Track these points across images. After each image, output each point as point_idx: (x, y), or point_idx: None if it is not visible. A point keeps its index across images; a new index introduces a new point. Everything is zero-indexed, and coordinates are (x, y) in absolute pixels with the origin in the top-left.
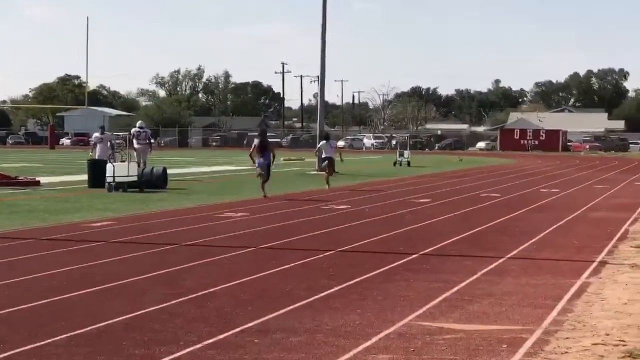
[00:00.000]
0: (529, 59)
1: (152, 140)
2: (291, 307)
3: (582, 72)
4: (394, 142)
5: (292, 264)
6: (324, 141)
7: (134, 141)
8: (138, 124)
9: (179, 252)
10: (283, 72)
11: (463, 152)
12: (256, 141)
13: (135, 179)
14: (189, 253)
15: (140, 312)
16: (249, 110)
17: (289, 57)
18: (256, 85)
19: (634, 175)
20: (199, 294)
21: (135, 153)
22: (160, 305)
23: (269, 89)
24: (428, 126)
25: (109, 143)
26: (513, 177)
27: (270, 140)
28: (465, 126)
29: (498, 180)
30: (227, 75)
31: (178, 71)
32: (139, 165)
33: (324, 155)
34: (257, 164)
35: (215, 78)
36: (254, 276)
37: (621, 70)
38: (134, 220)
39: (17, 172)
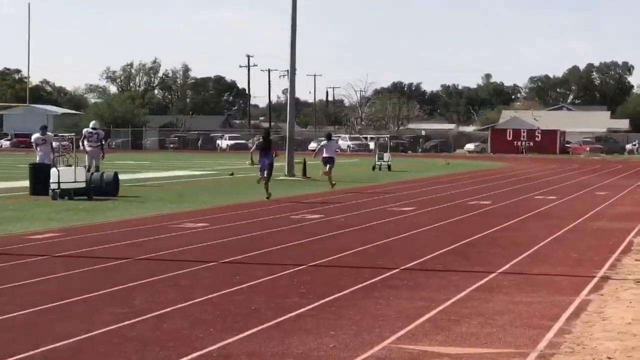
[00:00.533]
0: (523, 51)
1: (104, 143)
2: (257, 328)
3: (582, 66)
4: (372, 143)
5: (258, 280)
6: (326, 140)
7: (85, 143)
8: (91, 124)
9: (132, 267)
10: (249, 66)
11: (450, 155)
12: (258, 140)
13: (83, 185)
14: (143, 268)
15: (89, 334)
16: (210, 109)
17: (255, 48)
18: (218, 80)
19: (639, 181)
20: (154, 314)
21: (86, 156)
22: (111, 327)
23: (232, 85)
24: (411, 126)
25: (51, 145)
26: (505, 182)
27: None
28: (452, 126)
29: (489, 186)
30: (186, 69)
31: (131, 65)
32: (89, 170)
33: (325, 155)
34: (259, 165)
35: (172, 72)
36: (216, 294)
37: (625, 63)
38: (81, 232)
39: None
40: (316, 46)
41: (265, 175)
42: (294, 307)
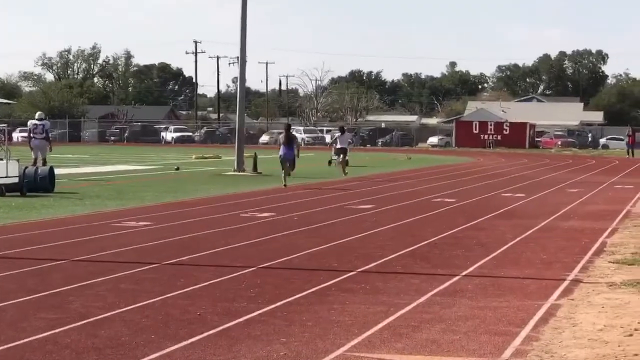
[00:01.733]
0: (490, 37)
1: (50, 135)
2: (202, 335)
3: (553, 54)
4: (328, 136)
5: (205, 283)
6: (339, 133)
7: (31, 136)
8: (37, 115)
9: (68, 270)
10: (196, 52)
11: (412, 149)
12: (282, 136)
13: (15, 180)
14: (80, 270)
15: (20, 342)
16: (154, 98)
17: (203, 33)
18: (163, 67)
19: (613, 177)
20: (91, 319)
21: (32, 150)
22: (44, 334)
23: (178, 73)
24: (370, 118)
25: None
26: (471, 178)
27: (294, 134)
28: (414, 118)
29: (453, 183)
30: (128, 56)
31: (69, 51)
32: (35, 164)
33: (338, 146)
34: (281, 155)
35: (114, 59)
36: (158, 298)
37: (599, 52)
38: (13, 231)
39: None
40: (269, 31)
41: (288, 166)
42: (242, 312)
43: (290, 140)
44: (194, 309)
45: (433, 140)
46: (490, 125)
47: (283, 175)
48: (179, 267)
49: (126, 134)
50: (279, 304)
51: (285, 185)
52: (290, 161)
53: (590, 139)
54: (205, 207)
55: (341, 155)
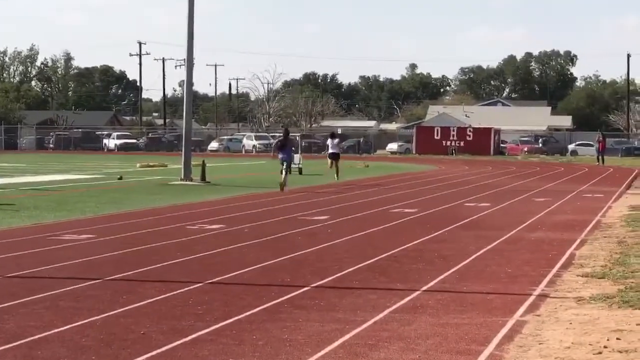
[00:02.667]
0: (452, 38)
1: None
2: (146, 355)
3: (519, 55)
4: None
5: (149, 300)
6: (330, 139)
7: None
8: None
9: (2, 286)
10: (140, 54)
11: (370, 156)
12: (279, 140)
13: None
14: (14, 287)
15: None
16: (96, 103)
17: (148, 35)
18: (106, 70)
19: (582, 185)
20: (27, 339)
21: None
22: None
23: (122, 76)
24: (325, 123)
25: None
26: (432, 187)
27: (291, 138)
28: (372, 123)
29: (414, 192)
30: (68, 58)
31: (4, 52)
32: None
33: (330, 151)
34: (280, 159)
35: (52, 61)
36: (100, 316)
37: (567, 53)
38: None
39: None
40: (218, 32)
41: (284, 167)
42: (189, 330)
43: (285, 145)
44: (138, 328)
45: (392, 146)
46: (453, 130)
47: (283, 176)
48: (122, 282)
49: (65, 141)
50: (228, 321)
51: (283, 184)
52: (288, 162)
53: (563, 144)
54: (151, 219)
55: (332, 161)
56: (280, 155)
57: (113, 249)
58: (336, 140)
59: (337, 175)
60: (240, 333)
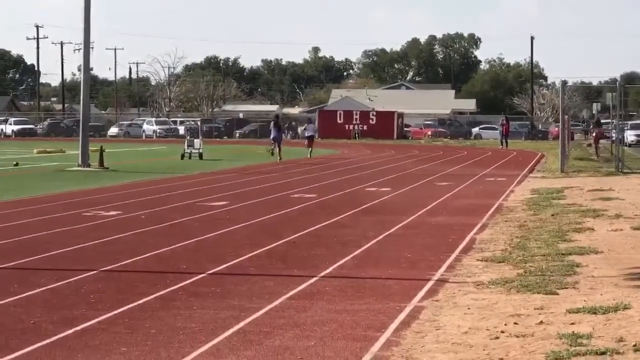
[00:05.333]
0: (355, 20)
1: None
2: (37, 345)
3: (422, 38)
4: (182, 128)
5: (40, 289)
6: (307, 123)
7: None
8: None
9: None
10: (38, 38)
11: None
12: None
13: None
14: None
15: None
16: None
17: (45, 18)
18: (2, 55)
19: (485, 169)
20: None
21: None
22: None
23: (19, 60)
24: (227, 107)
25: None
26: (334, 172)
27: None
28: (275, 107)
29: (314, 177)
30: None
31: None
32: None
33: (307, 134)
34: (271, 138)
35: None
36: None
37: (471, 35)
38: None
39: None
40: (117, 15)
41: (276, 145)
42: (81, 319)
43: (278, 126)
44: (28, 317)
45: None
46: (356, 114)
47: (278, 152)
48: (13, 271)
49: None
50: (121, 310)
51: (279, 157)
52: (278, 141)
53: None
54: (46, 206)
55: (308, 141)
56: (272, 137)
57: (5, 236)
58: (311, 125)
59: (310, 154)
60: (133, 322)
